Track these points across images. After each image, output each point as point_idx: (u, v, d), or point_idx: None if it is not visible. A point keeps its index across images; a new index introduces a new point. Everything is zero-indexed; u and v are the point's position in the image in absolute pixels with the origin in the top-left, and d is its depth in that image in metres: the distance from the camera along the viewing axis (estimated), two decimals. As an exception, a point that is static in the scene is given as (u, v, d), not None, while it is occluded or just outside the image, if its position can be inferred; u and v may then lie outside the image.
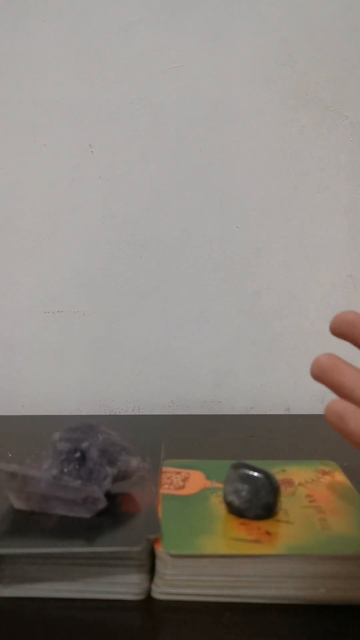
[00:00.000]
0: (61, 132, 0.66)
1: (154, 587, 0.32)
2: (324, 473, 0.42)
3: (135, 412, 0.69)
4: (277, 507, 0.35)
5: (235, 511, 0.35)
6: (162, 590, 0.32)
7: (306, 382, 0.67)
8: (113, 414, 0.69)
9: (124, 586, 0.32)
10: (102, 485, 0.35)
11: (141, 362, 0.69)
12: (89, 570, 0.32)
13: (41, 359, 0.69)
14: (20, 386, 0.69)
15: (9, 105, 0.66)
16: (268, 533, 0.33)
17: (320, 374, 0.29)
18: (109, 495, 0.36)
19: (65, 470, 0.35)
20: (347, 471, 0.42)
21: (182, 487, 0.39)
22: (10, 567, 0.32)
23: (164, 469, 0.42)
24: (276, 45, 0.65)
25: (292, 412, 0.69)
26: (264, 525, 0.34)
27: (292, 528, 0.34)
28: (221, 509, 0.36)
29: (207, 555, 0.31)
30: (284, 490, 0.38)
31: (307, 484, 0.40)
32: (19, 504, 0.35)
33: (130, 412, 0.69)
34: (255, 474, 0.35)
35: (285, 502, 0.37)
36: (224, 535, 0.33)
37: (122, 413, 0.69)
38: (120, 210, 0.67)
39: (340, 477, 0.41)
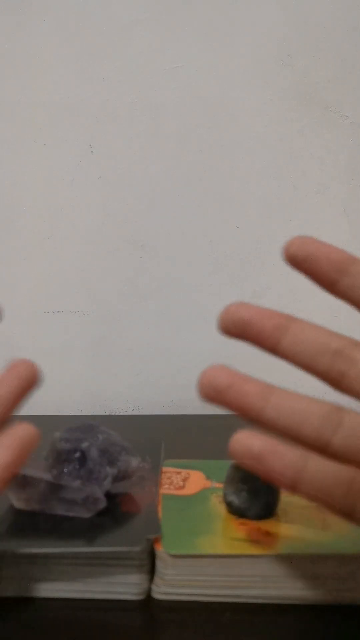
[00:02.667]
0: (61, 132, 0.66)
1: (154, 587, 0.32)
2: (324, 473, 0.42)
3: (135, 412, 0.69)
4: (277, 507, 0.35)
5: (235, 511, 0.35)
6: (162, 590, 0.32)
7: (306, 382, 0.67)
8: (113, 414, 0.69)
9: (124, 586, 0.32)
10: (102, 485, 0.35)
11: (141, 362, 0.69)
12: (89, 570, 0.32)
13: (41, 359, 0.69)
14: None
15: (9, 105, 0.66)
16: (268, 533, 0.33)
17: (215, 396, 0.24)
18: (109, 495, 0.36)
19: (65, 470, 0.35)
20: (347, 471, 0.42)
21: (182, 487, 0.39)
22: (10, 567, 0.32)
23: (164, 469, 0.42)
24: (276, 45, 0.65)
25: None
26: (264, 525, 0.34)
27: (292, 528, 0.34)
28: (221, 509, 0.36)
29: (207, 555, 0.31)
30: (284, 490, 0.38)
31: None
32: (19, 504, 0.35)
33: (130, 412, 0.69)
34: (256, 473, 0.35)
35: (285, 502, 0.37)
36: (224, 535, 0.33)
37: (122, 413, 0.69)
38: (120, 210, 0.67)
39: (340, 477, 0.41)
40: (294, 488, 0.24)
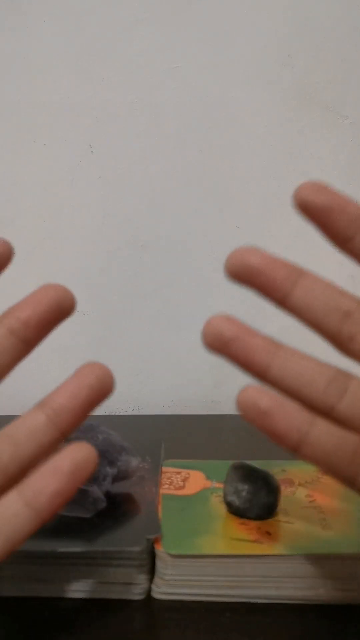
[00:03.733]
0: (61, 132, 0.66)
1: (154, 587, 0.32)
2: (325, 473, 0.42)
3: (135, 412, 0.69)
4: (277, 507, 0.35)
5: (235, 511, 0.35)
6: (162, 590, 0.32)
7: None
8: (113, 414, 0.69)
9: (124, 586, 0.32)
10: (102, 485, 0.35)
11: (141, 362, 0.69)
12: (89, 570, 0.32)
13: (41, 359, 0.69)
14: (20, 386, 0.69)
15: (9, 105, 0.66)
16: (268, 533, 0.33)
17: (220, 346, 0.23)
18: (109, 495, 0.36)
19: (65, 470, 0.35)
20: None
21: (182, 487, 0.39)
22: (10, 567, 0.32)
23: (164, 469, 0.42)
24: (276, 45, 0.65)
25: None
26: (264, 525, 0.34)
27: (292, 528, 0.34)
28: (221, 509, 0.36)
29: (207, 555, 0.31)
30: (284, 490, 0.38)
31: (307, 484, 0.40)
32: (19, 504, 0.35)
33: (130, 412, 0.69)
34: (256, 474, 0.35)
35: (285, 502, 0.37)
36: (224, 535, 0.33)
37: (122, 413, 0.69)
38: (120, 210, 0.67)
39: (340, 477, 0.41)
40: (297, 450, 0.23)
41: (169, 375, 0.69)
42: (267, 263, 0.24)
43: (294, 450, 0.23)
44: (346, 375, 0.23)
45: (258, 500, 0.34)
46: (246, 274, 0.24)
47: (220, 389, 0.69)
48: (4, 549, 0.22)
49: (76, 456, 0.23)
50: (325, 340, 0.25)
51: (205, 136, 0.66)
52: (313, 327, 0.24)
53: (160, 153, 0.66)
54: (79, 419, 0.24)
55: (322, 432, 0.23)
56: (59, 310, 0.26)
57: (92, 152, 0.66)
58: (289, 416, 0.23)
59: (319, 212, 0.24)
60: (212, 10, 0.65)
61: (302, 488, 0.39)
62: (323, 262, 0.70)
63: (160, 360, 0.69)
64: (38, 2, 0.65)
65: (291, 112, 0.66)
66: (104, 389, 0.24)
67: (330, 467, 0.23)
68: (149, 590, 0.32)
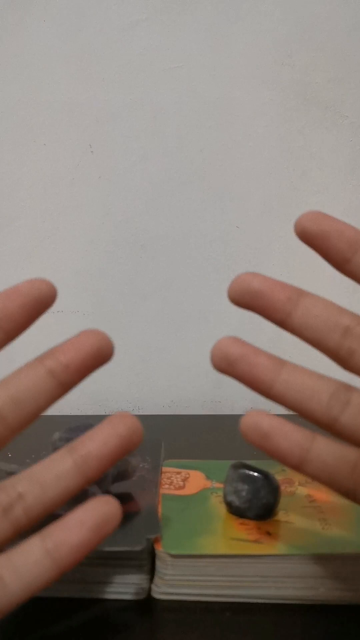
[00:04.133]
0: (61, 132, 0.66)
1: (154, 587, 0.32)
2: (324, 473, 0.42)
3: (135, 412, 0.69)
4: (277, 507, 0.35)
5: (235, 511, 0.35)
6: (162, 590, 0.32)
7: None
8: (113, 414, 0.69)
9: (124, 586, 0.32)
10: (102, 485, 0.35)
11: (141, 362, 0.69)
12: (89, 570, 0.32)
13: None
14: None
15: (9, 105, 0.66)
16: (268, 533, 0.33)
17: (226, 367, 0.25)
18: (109, 495, 0.36)
19: (65, 470, 0.35)
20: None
21: (182, 487, 0.39)
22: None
23: (164, 469, 0.42)
24: (276, 45, 0.65)
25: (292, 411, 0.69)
26: (264, 525, 0.34)
27: (292, 528, 0.34)
28: (221, 509, 0.36)
29: (207, 555, 0.31)
30: (284, 490, 0.38)
31: (307, 484, 0.40)
32: (19, 504, 0.35)
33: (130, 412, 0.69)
34: (255, 474, 0.35)
35: (285, 502, 0.37)
36: (224, 535, 0.33)
37: (122, 413, 0.69)
38: (120, 210, 0.67)
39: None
40: (299, 467, 0.24)
41: (169, 375, 0.69)
42: (268, 286, 0.25)
43: (297, 468, 0.24)
44: (348, 388, 0.24)
45: (258, 500, 0.34)
46: (249, 298, 0.25)
47: (220, 389, 0.69)
48: (21, 595, 0.23)
49: (101, 511, 0.23)
50: (326, 356, 0.25)
51: (205, 136, 0.66)
52: (314, 345, 0.25)
53: (160, 153, 0.66)
54: (105, 467, 0.24)
55: (323, 449, 0.24)
56: (98, 356, 0.26)
57: (92, 152, 0.66)
58: (290, 435, 0.24)
59: (318, 239, 0.25)
60: (212, 10, 0.65)
61: (302, 488, 0.39)
62: (323, 262, 0.70)
63: (160, 360, 0.69)
64: (38, 2, 0.65)
65: (291, 112, 0.66)
66: (132, 440, 0.25)
67: (331, 481, 0.24)
68: (149, 590, 0.32)
